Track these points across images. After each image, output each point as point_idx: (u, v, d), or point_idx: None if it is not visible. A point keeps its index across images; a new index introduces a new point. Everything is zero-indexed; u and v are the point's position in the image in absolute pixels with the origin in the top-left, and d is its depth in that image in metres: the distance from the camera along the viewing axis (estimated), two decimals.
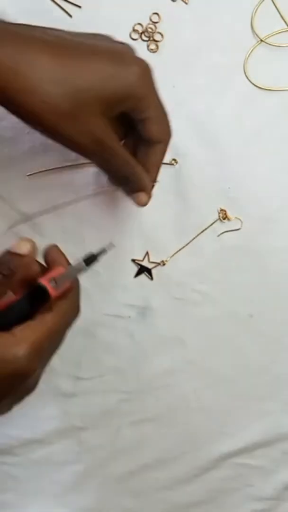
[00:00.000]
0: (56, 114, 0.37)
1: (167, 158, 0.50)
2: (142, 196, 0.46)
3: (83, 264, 0.41)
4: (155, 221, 0.52)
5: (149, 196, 0.46)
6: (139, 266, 0.52)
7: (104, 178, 0.51)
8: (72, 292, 0.40)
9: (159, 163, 0.45)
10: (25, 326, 0.37)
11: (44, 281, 0.38)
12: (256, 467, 0.55)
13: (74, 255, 0.52)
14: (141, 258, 0.52)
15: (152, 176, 0.45)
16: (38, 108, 0.36)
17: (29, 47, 0.36)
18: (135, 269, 0.52)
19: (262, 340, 0.54)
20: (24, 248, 0.39)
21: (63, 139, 0.40)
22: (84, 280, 0.52)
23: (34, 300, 0.38)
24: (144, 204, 0.46)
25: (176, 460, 0.55)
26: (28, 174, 0.50)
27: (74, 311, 0.40)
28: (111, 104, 0.39)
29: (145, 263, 0.52)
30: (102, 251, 0.41)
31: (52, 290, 0.38)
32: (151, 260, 0.52)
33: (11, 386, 0.37)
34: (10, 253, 0.39)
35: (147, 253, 0.52)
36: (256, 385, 0.54)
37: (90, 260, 0.41)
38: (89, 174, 0.50)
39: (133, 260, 0.52)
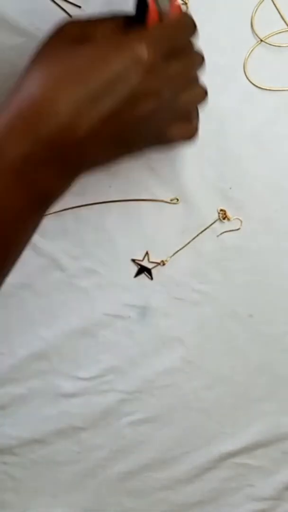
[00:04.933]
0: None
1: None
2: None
3: None
4: (155, 221, 0.52)
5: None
6: (139, 266, 0.52)
7: (102, 179, 0.51)
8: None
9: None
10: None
11: None
12: (256, 467, 0.56)
13: (74, 255, 0.52)
14: (141, 258, 0.52)
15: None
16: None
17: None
18: (135, 269, 0.52)
19: (262, 340, 0.54)
20: None
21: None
22: (84, 280, 0.52)
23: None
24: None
25: (176, 460, 0.55)
26: None
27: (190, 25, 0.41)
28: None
29: (145, 263, 0.52)
30: None
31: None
32: (151, 260, 0.52)
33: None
34: None
35: (147, 253, 0.52)
36: (256, 385, 0.54)
37: None
38: (88, 175, 0.50)
39: (133, 260, 0.52)
